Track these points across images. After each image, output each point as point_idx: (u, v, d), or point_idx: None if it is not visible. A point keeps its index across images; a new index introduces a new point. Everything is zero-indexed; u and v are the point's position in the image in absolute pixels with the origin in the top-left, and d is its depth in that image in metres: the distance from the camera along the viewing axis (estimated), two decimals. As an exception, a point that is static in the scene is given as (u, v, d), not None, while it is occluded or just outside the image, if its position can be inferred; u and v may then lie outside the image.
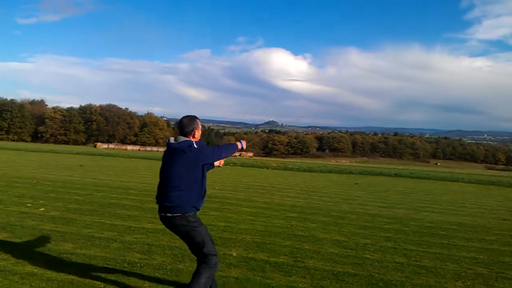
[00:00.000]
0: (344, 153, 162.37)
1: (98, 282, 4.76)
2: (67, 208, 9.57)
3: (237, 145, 4.67)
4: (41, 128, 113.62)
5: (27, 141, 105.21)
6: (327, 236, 8.13)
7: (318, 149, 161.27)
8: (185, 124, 4.31)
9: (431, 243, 8.02)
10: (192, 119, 4.37)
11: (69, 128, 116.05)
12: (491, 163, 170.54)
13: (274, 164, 44.67)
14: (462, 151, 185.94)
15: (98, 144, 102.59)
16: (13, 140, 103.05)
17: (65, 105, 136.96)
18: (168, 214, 4.15)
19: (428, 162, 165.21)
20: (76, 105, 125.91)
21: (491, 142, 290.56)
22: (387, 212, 12.24)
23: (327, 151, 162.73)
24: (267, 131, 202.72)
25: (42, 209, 9.26)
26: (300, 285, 5.10)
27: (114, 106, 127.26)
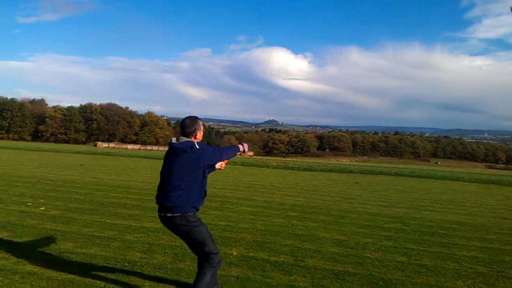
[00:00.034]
0: (345, 152, 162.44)
1: (98, 281, 4.76)
2: (68, 207, 9.57)
3: (238, 147, 4.66)
4: (41, 127, 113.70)
5: (27, 140, 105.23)
6: (328, 235, 8.13)
7: (318, 148, 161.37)
8: (187, 125, 4.31)
9: (432, 242, 8.02)
10: (194, 120, 4.38)
11: (70, 127, 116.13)
12: (491, 162, 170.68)
13: (274, 163, 44.72)
14: (463, 150, 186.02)
15: (99, 143, 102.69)
16: (14, 139, 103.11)
17: (65, 104, 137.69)
18: (168, 214, 4.14)
19: (428, 161, 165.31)
20: (76, 104, 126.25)
21: (491, 141, 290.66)
22: (388, 211, 12.24)
23: (327, 150, 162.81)
24: (267, 130, 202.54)
25: (43, 208, 9.26)
26: (300, 284, 5.10)
27: (114, 105, 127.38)
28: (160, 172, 4.34)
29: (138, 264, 5.51)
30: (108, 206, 10.11)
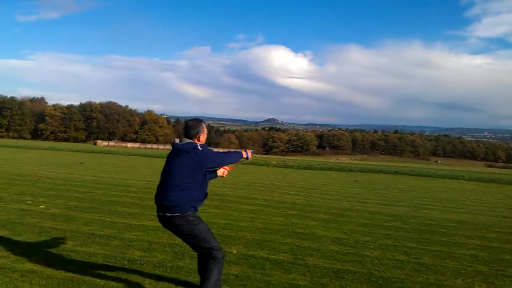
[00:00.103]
0: (344, 151, 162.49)
1: (98, 280, 4.76)
2: (67, 206, 9.58)
3: (242, 153, 4.64)
4: (41, 126, 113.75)
5: (27, 139, 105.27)
6: (327, 233, 8.13)
7: (318, 147, 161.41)
8: (190, 127, 4.32)
9: (431, 241, 8.02)
10: (197, 122, 4.39)
11: (69, 126, 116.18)
12: (491, 161, 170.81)
13: (274, 162, 44.70)
14: (462, 149, 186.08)
15: (98, 141, 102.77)
16: (13, 138, 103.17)
17: (65, 102, 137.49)
18: (168, 214, 4.14)
19: (428, 159, 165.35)
20: (76, 103, 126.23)
21: (491, 140, 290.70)
22: (387, 209, 12.24)
23: (327, 148, 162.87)
24: (267, 128, 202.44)
25: (42, 206, 9.26)
26: (300, 282, 5.10)
27: (114, 103, 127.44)
28: (161, 172, 4.34)
29: (138, 262, 5.51)
30: (108, 204, 10.11)
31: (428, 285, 5.30)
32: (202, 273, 4.53)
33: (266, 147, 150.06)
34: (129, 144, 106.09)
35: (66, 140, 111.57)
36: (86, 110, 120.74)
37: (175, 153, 4.24)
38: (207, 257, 4.24)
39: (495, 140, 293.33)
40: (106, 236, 6.87)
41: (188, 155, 4.13)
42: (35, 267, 5.08)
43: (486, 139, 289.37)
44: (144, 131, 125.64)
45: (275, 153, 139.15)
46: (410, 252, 6.98)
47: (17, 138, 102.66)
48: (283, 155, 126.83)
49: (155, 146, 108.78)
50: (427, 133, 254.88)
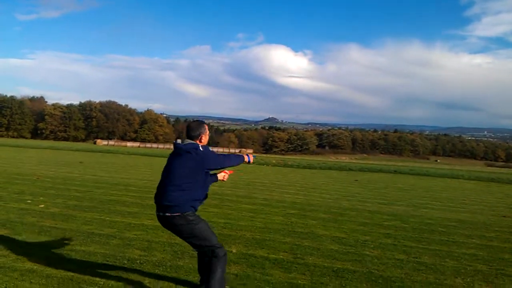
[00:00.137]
0: (344, 150, 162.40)
1: (98, 279, 4.76)
2: (67, 205, 9.58)
3: (243, 157, 4.66)
4: (41, 125, 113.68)
5: (26, 138, 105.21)
6: (327, 232, 8.13)
7: (318, 146, 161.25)
8: (192, 128, 4.35)
9: (431, 240, 8.03)
10: (200, 124, 4.42)
11: (69, 125, 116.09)
12: (491, 160, 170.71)
13: (274, 161, 44.68)
14: (462, 148, 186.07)
15: (98, 140, 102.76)
16: (13, 137, 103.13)
17: (65, 101, 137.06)
18: (167, 214, 4.14)
19: (428, 159, 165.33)
20: (76, 102, 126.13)
21: (491, 139, 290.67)
22: (387, 209, 12.24)
23: (327, 148, 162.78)
24: (267, 127, 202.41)
25: (42, 205, 9.26)
26: (299, 281, 5.10)
27: (114, 102, 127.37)
28: (162, 172, 4.34)
29: (138, 261, 5.51)
30: (108, 203, 10.11)
31: (427, 284, 5.31)
32: (203, 272, 4.53)
33: (266, 146, 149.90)
34: (129, 143, 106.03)
35: (65, 139, 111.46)
36: (86, 109, 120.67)
37: (177, 153, 4.25)
38: (209, 255, 4.24)
39: (495, 140, 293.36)
40: (105, 235, 6.87)
41: (190, 155, 4.14)
42: (35, 266, 5.08)
43: (485, 138, 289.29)
44: (143, 130, 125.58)
45: (274, 153, 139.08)
46: (410, 251, 6.98)
47: (16, 137, 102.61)
48: (283, 154, 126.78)
49: (154, 145, 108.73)
50: (426, 133, 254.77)
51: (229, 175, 4.95)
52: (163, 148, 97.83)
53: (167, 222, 4.21)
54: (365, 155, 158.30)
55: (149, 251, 6.06)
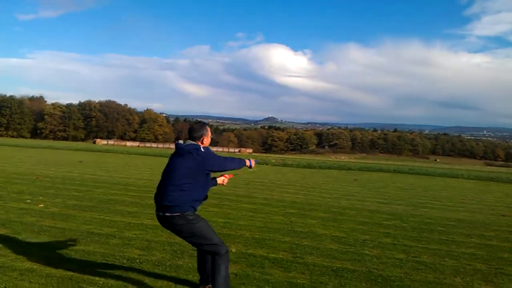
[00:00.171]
0: (344, 149, 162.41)
1: (97, 278, 4.76)
2: (67, 205, 9.58)
3: (245, 161, 4.66)
4: (40, 125, 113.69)
5: (26, 137, 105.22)
6: (326, 232, 8.13)
7: (317, 145, 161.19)
8: (194, 129, 4.37)
9: (430, 239, 8.03)
10: (202, 125, 4.44)
11: (68, 125, 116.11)
12: (490, 159, 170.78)
13: (273, 160, 44.68)
14: (462, 147, 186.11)
15: (98, 140, 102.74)
16: (12, 137, 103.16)
17: (64, 101, 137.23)
18: (167, 214, 4.15)
19: (427, 158, 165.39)
20: (75, 101, 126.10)
21: (490, 138, 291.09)
22: (386, 208, 12.25)
23: (326, 147, 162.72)
24: (266, 127, 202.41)
25: (42, 205, 9.26)
26: (299, 281, 5.10)
27: (113, 102, 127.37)
28: (163, 171, 4.35)
29: (137, 261, 5.51)
30: (107, 203, 10.11)
31: (427, 284, 5.31)
32: (202, 271, 4.55)
33: (266, 146, 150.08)
34: (128, 143, 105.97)
35: (65, 139, 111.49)
36: (85, 109, 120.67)
37: (178, 154, 4.25)
38: (211, 254, 4.26)
39: (494, 139, 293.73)
40: (105, 234, 6.87)
41: (191, 155, 4.15)
42: (35, 266, 5.08)
43: (485, 138, 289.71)
44: (143, 130, 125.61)
45: (274, 152, 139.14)
46: (409, 251, 6.99)
47: (16, 137, 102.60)
48: (282, 154, 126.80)
49: (154, 145, 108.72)
50: (426, 132, 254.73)
51: (228, 179, 4.94)
52: (163, 147, 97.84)
53: (166, 222, 4.22)
54: (364, 154, 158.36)
55: (148, 250, 6.06)
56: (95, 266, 5.19)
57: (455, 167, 79.78)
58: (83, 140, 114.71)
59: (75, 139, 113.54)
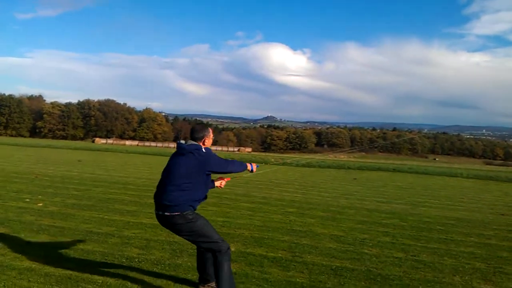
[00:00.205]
0: (343, 148, 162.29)
1: (96, 277, 4.76)
2: (66, 203, 9.57)
3: (246, 165, 4.67)
4: (39, 123, 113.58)
5: (25, 136, 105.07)
6: (325, 231, 8.14)
7: (316, 144, 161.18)
8: (196, 130, 4.39)
9: (429, 238, 8.04)
10: (204, 126, 4.48)
11: (67, 124, 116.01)
12: (489, 158, 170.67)
13: (272, 159, 44.69)
14: (461, 146, 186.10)
15: (97, 139, 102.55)
16: (11, 136, 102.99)
17: (63, 100, 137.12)
18: (166, 213, 4.16)
19: (426, 157, 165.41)
20: (74, 101, 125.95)
21: (489, 137, 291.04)
22: (385, 207, 12.26)
23: (325, 146, 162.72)
24: (265, 126, 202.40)
25: (41, 204, 9.26)
26: (298, 280, 5.10)
27: (112, 101, 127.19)
28: (163, 171, 4.35)
29: (136, 260, 5.51)
30: (106, 202, 10.11)
31: (426, 283, 5.31)
32: (202, 270, 4.55)
33: (265, 145, 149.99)
34: (127, 142, 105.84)
35: (64, 138, 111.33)
36: (84, 108, 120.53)
37: (179, 153, 4.26)
38: (211, 252, 4.27)
39: (493, 138, 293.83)
40: (104, 234, 6.87)
41: (192, 155, 4.16)
42: (33, 265, 5.07)
43: (484, 137, 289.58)
44: (142, 129, 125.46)
45: (273, 151, 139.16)
46: (408, 250, 6.99)
47: (15, 136, 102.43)
48: (282, 153, 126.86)
49: (153, 144, 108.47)
50: (425, 131, 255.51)
51: (226, 182, 4.93)
52: (162, 146, 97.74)
53: (166, 221, 4.22)
54: (363, 153, 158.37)
55: (147, 249, 6.06)
56: (94, 265, 5.19)
57: (454, 166, 79.80)
58: (82, 139, 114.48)
59: (74, 138, 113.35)
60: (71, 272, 4.89)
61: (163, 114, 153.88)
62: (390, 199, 14.57)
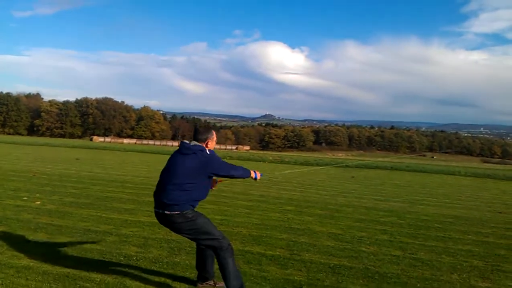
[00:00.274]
0: (341, 147, 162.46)
1: (94, 275, 4.75)
2: (63, 202, 9.56)
3: (250, 173, 4.65)
4: (37, 122, 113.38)
5: (23, 135, 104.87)
6: (323, 229, 8.14)
7: (314, 143, 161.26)
8: (200, 132, 4.42)
9: (427, 236, 8.05)
10: (208, 128, 4.48)
11: (65, 122, 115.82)
12: (487, 157, 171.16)
13: (270, 158, 44.74)
14: (458, 145, 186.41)
15: (94, 137, 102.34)
16: (9, 134, 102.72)
17: (61, 98, 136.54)
18: (166, 212, 4.15)
19: (424, 155, 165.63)
20: (72, 99, 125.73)
21: (487, 136, 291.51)
22: (383, 205, 12.27)
23: (323, 144, 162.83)
24: (264, 124, 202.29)
25: (38, 202, 9.24)
26: (296, 278, 5.11)
27: (110, 99, 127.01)
28: (163, 169, 4.35)
29: (134, 258, 5.51)
30: (104, 200, 10.10)
31: (424, 280, 5.32)
32: (201, 268, 4.55)
33: (263, 143, 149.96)
34: (125, 140, 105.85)
35: (62, 136, 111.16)
36: (82, 106, 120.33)
37: (182, 153, 4.26)
38: (213, 249, 4.28)
39: (491, 136, 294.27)
40: (102, 232, 6.87)
41: (195, 156, 4.17)
42: (31, 263, 5.07)
43: (482, 135, 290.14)
44: (140, 127, 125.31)
45: (271, 149, 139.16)
46: (406, 248, 7.00)
47: (12, 134, 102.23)
48: (280, 151, 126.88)
49: (151, 142, 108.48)
50: (423, 129, 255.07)
51: (219, 183, 4.92)
52: (160, 145, 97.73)
53: (165, 220, 4.22)
54: (361, 151, 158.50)
55: (145, 247, 6.05)
56: (92, 263, 5.19)
57: (452, 164, 79.94)
58: (80, 137, 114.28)
59: (72, 136, 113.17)
60: (69, 270, 4.88)
61: (161, 112, 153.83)
62: (388, 197, 14.59)
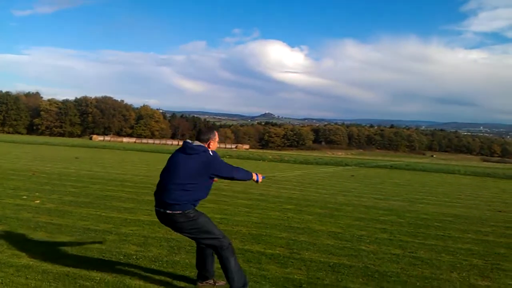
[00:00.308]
0: (340, 146, 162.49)
1: (94, 274, 4.75)
2: (63, 201, 9.55)
3: (252, 175, 4.66)
4: (36, 121, 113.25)
5: (22, 134, 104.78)
6: (323, 228, 8.14)
7: (314, 141, 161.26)
8: (202, 132, 4.43)
9: (427, 235, 8.05)
10: (210, 129, 4.50)
11: (65, 121, 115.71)
12: (486, 155, 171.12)
13: (270, 157, 44.76)
14: (458, 143, 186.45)
15: (94, 136, 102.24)
16: (8, 133, 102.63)
17: (60, 97, 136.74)
18: (168, 211, 4.15)
19: (424, 154, 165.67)
20: (71, 98, 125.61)
21: (486, 134, 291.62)
22: (383, 204, 12.28)
23: (323, 143, 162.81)
24: (263, 123, 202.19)
25: (38, 201, 9.24)
26: (296, 276, 5.11)
27: (109, 98, 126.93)
28: (165, 168, 4.34)
29: (134, 257, 5.50)
30: (104, 199, 10.10)
31: (423, 279, 5.32)
32: (200, 267, 4.55)
33: (262, 142, 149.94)
34: (125, 139, 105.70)
35: (61, 135, 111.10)
36: (82, 105, 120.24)
37: (185, 152, 4.27)
38: (213, 248, 4.29)
39: (491, 135, 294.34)
40: (101, 231, 6.86)
41: (198, 156, 4.17)
42: (31, 262, 5.06)
43: (481, 134, 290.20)
44: (139, 126, 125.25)
45: (271, 148, 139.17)
46: (406, 246, 7.00)
47: (12, 133, 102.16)
48: (279, 150, 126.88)
49: (151, 141, 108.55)
50: (423, 128, 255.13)
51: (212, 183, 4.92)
52: (159, 143, 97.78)
53: (167, 219, 4.22)
54: (361, 150, 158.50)
55: (145, 246, 6.05)
56: (91, 262, 5.18)
57: (452, 163, 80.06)
58: (79, 136, 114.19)
59: (71, 135, 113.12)
60: (68, 269, 4.88)
61: (161, 111, 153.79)
62: (388, 196, 14.60)
